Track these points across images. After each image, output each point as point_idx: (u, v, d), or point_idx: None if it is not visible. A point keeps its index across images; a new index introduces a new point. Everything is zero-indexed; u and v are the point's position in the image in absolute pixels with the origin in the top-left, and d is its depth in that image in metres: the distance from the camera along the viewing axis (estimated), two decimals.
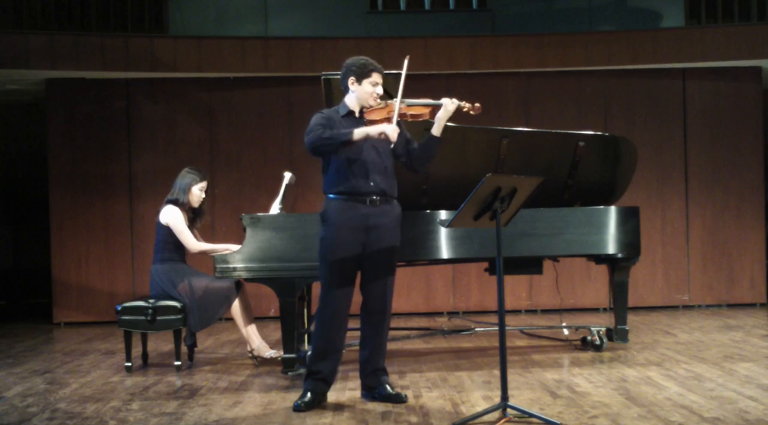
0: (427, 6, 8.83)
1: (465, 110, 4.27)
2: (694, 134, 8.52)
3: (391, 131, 4.12)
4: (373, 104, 4.30)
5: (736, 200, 8.51)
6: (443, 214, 5.35)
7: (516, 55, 8.24)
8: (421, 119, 4.34)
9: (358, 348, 4.51)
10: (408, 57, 4.31)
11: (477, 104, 4.26)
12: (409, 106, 4.30)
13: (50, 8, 8.30)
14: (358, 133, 4.13)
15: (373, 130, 4.14)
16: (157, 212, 5.65)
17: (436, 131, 4.31)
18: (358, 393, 4.51)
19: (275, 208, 5.54)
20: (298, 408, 4.17)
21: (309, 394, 4.23)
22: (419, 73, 7.93)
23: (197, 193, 5.67)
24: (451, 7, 8.82)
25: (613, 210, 5.69)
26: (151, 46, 8.00)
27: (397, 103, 4.21)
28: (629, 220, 5.72)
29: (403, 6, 8.79)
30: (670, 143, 8.51)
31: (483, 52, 8.24)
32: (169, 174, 5.81)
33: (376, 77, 4.28)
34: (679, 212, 8.52)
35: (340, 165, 4.23)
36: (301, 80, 8.22)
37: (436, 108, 4.29)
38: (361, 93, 4.28)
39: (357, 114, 4.34)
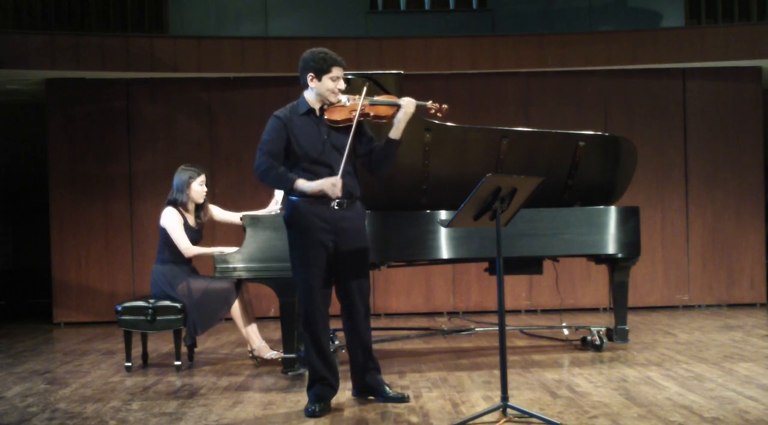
0: (427, 6, 8.83)
1: (432, 112, 4.14)
2: (694, 134, 8.52)
3: (330, 188, 4.00)
4: (334, 101, 4.14)
5: (736, 200, 8.51)
6: (443, 214, 5.35)
7: (516, 55, 8.24)
8: (383, 121, 4.17)
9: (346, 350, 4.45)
10: (368, 80, 4.21)
11: (444, 106, 4.13)
12: (372, 105, 4.14)
13: (50, 8, 8.30)
14: (298, 186, 4.05)
15: (312, 188, 4.03)
16: (160, 213, 5.65)
17: (394, 133, 4.14)
18: None
19: (272, 207, 5.55)
20: (312, 414, 4.07)
21: (319, 401, 4.14)
22: (419, 73, 7.93)
23: (198, 188, 5.65)
24: (451, 7, 8.83)
25: (613, 210, 5.69)
26: (151, 46, 8.00)
27: (359, 104, 4.07)
28: (629, 220, 5.73)
29: (403, 6, 8.79)
30: (670, 143, 8.51)
31: (483, 52, 8.23)
32: (169, 174, 5.81)
33: (337, 71, 4.08)
34: (679, 212, 8.52)
35: (305, 168, 4.11)
36: None
37: (399, 107, 4.12)
38: (322, 90, 4.10)
39: (317, 112, 4.17)
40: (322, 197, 4.09)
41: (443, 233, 5.37)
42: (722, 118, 8.53)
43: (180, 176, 5.63)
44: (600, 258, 5.86)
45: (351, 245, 4.19)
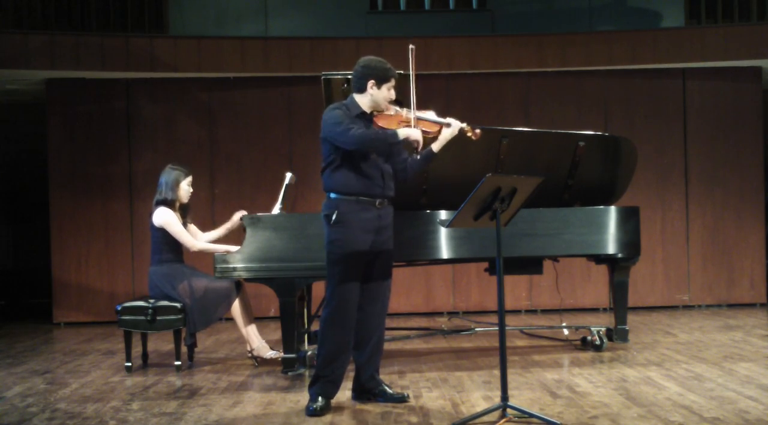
0: (427, 6, 8.83)
1: (468, 135, 4.24)
2: (694, 134, 8.52)
3: (420, 135, 4.12)
4: (384, 109, 4.25)
5: (736, 200, 8.51)
6: (443, 214, 5.35)
7: (516, 55, 8.24)
8: (429, 136, 4.27)
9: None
10: (412, 47, 4.27)
11: (477, 130, 4.22)
12: (419, 120, 4.24)
13: (50, 8, 8.30)
14: (402, 133, 4.11)
15: (414, 133, 4.11)
16: (150, 214, 5.63)
17: (437, 147, 4.26)
18: None
19: (276, 209, 5.55)
20: (313, 413, 4.08)
21: (321, 398, 4.14)
22: (419, 73, 7.90)
23: (186, 188, 5.64)
24: (451, 7, 8.82)
25: (612, 210, 5.69)
26: (151, 46, 8.00)
27: (412, 116, 4.19)
28: (629, 220, 5.73)
29: (403, 6, 8.79)
30: (670, 143, 8.51)
31: (483, 52, 8.23)
32: None
33: (393, 82, 4.25)
34: (679, 212, 8.52)
35: (354, 166, 4.16)
36: (301, 80, 8.22)
37: (443, 126, 4.24)
38: (379, 97, 4.22)
39: (368, 117, 4.27)
40: (369, 197, 4.18)
41: (443, 233, 5.37)
42: (722, 118, 8.53)
43: (169, 174, 5.61)
44: (600, 258, 5.86)
45: (385, 244, 4.26)
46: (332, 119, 4.16)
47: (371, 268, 4.25)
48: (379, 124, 4.24)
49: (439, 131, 4.25)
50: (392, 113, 4.26)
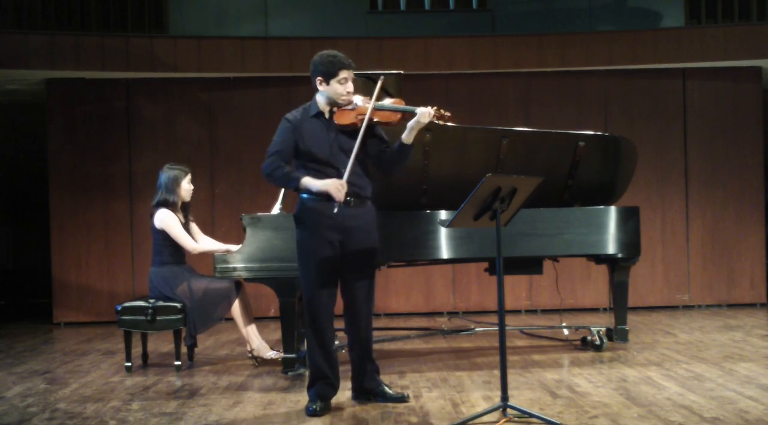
0: (427, 6, 8.83)
1: (436, 121, 4.11)
2: (694, 134, 8.52)
3: (335, 190, 4.01)
4: (343, 104, 4.15)
5: (736, 200, 8.51)
6: (443, 214, 5.35)
7: (516, 55, 8.24)
8: (389, 126, 4.18)
9: (347, 350, 4.46)
10: (382, 78, 4.21)
11: (448, 114, 4.09)
12: (377, 110, 4.12)
13: (50, 8, 8.30)
14: (303, 184, 4.08)
15: (318, 186, 4.05)
16: (150, 216, 5.62)
17: (406, 138, 4.12)
18: None
19: (276, 209, 5.54)
20: (313, 413, 4.09)
21: (319, 400, 4.15)
22: (419, 73, 7.93)
23: (187, 186, 5.63)
24: (451, 7, 8.82)
25: (612, 210, 5.69)
26: (151, 46, 8.00)
27: (369, 109, 4.07)
28: (629, 220, 5.73)
29: (403, 6, 8.79)
30: (670, 143, 8.51)
31: (483, 52, 8.23)
32: None
33: (345, 74, 4.09)
34: (679, 212, 8.52)
35: (311, 167, 4.13)
36: (301, 80, 8.16)
37: (406, 114, 4.10)
38: (331, 93, 4.12)
39: (327, 115, 4.18)
40: (329, 196, 4.09)
41: (443, 233, 5.37)
42: (722, 118, 8.53)
43: (168, 174, 5.59)
44: (600, 258, 5.86)
45: (357, 244, 4.19)
46: (276, 133, 4.19)
47: (346, 268, 4.21)
48: (336, 121, 4.15)
49: (400, 120, 4.13)
50: (351, 107, 4.15)
